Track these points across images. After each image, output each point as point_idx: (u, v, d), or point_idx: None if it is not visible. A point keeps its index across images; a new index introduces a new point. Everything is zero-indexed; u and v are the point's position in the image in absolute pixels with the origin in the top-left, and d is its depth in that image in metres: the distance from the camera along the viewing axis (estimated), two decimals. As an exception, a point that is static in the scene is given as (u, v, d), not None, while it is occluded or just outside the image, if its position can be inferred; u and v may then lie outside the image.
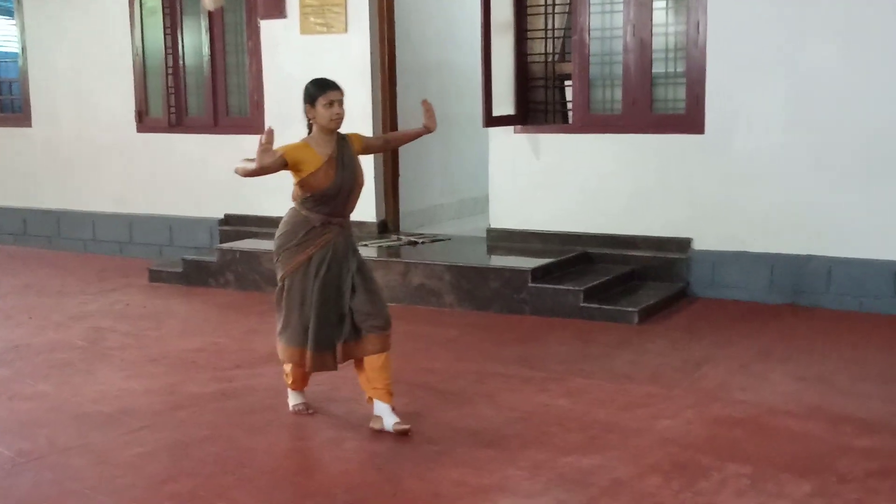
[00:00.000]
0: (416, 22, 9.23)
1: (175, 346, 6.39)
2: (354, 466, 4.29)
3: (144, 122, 9.81)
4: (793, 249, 7.14)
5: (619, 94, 7.79)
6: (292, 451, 4.62)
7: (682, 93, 7.53)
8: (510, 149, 8.11)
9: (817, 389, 5.23)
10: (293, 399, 4.95)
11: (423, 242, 8.24)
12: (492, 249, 8.10)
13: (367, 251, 7.63)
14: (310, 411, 4.91)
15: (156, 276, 8.55)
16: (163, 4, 9.50)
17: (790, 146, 7.08)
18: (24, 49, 10.51)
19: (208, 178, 9.46)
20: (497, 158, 8.20)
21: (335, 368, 4.73)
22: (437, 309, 7.29)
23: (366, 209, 8.32)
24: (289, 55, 8.84)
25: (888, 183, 6.81)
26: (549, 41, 8.08)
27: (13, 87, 10.92)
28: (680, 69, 7.56)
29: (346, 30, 8.53)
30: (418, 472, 4.16)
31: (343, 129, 4.67)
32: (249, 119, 9.19)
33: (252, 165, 4.36)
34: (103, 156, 10.10)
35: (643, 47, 7.60)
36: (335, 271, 4.62)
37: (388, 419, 4.60)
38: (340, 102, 4.56)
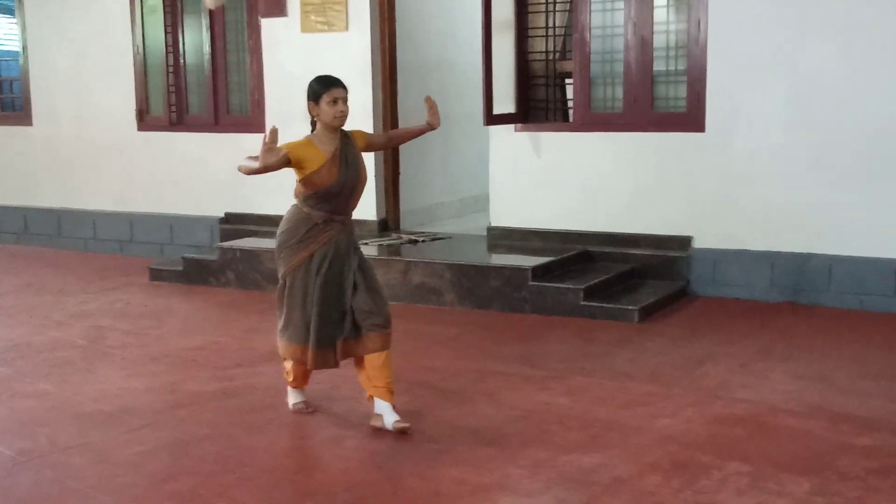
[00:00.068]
0: (417, 20, 9.22)
1: (175, 344, 6.40)
2: (354, 465, 4.29)
3: (145, 120, 9.81)
4: (793, 248, 7.14)
5: (619, 92, 7.78)
6: (292, 449, 4.62)
7: (682, 91, 7.53)
8: (511, 147, 8.10)
9: (818, 388, 5.23)
10: (293, 397, 4.95)
11: (423, 241, 8.24)
12: (492, 248, 8.10)
13: (368, 249, 7.63)
14: (309, 410, 4.91)
15: (156, 275, 8.55)
16: (163, 3, 9.50)
17: (790, 145, 7.08)
18: (24, 48, 10.51)
19: (209, 176, 9.46)
20: (497, 157, 8.20)
21: (336, 366, 4.73)
22: (438, 307, 7.29)
23: (366, 207, 8.31)
24: (289, 53, 8.84)
25: (888, 182, 6.81)
26: (550, 39, 8.08)
27: (14, 86, 10.92)
28: (681, 67, 7.55)
29: (346, 28, 8.53)
30: (418, 470, 4.17)
31: (344, 127, 4.67)
32: (250, 117, 9.19)
33: (255, 164, 4.36)
34: (104, 155, 10.10)
35: (644, 45, 7.60)
36: (337, 269, 4.62)
37: (389, 417, 4.60)
38: (344, 100, 4.56)
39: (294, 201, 4.67)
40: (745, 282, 7.30)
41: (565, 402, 5.05)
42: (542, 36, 8.09)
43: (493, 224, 8.28)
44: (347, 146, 4.63)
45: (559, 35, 8.10)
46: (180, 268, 8.45)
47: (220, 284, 8.22)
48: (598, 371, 5.60)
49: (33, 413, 5.01)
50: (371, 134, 4.92)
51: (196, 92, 9.58)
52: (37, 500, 3.95)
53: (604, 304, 6.84)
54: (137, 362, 5.97)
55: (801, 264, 7.12)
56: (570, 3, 7.92)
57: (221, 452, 4.42)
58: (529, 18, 8.09)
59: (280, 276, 4.71)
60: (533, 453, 4.32)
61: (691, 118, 7.42)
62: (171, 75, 9.58)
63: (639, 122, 7.64)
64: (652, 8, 7.56)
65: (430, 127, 4.94)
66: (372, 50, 8.50)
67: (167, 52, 9.55)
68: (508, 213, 8.18)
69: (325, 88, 4.53)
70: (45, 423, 4.85)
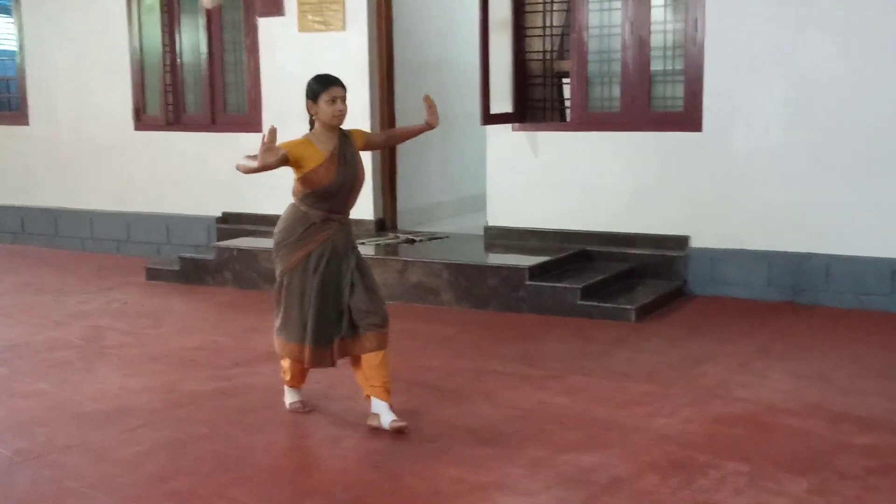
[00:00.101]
0: (415, 19, 9.22)
1: (173, 344, 6.39)
2: (353, 464, 4.28)
3: (142, 120, 9.80)
4: (792, 247, 7.14)
5: (617, 91, 7.78)
6: (291, 449, 4.62)
7: (680, 90, 7.53)
8: (508, 146, 8.10)
9: (816, 387, 5.23)
10: (290, 397, 4.95)
11: (420, 240, 8.24)
12: (490, 247, 8.10)
13: (365, 249, 7.62)
14: (306, 409, 4.91)
15: (153, 275, 8.54)
16: (161, 2, 9.49)
17: (788, 144, 7.08)
18: (21, 47, 10.50)
19: (206, 176, 9.45)
20: (495, 156, 8.20)
21: (333, 365, 4.72)
22: (435, 307, 7.29)
23: (363, 207, 8.32)
24: (287, 53, 8.83)
25: (887, 181, 6.81)
26: (548, 39, 8.08)
27: (10, 86, 10.90)
28: (678, 67, 7.56)
29: (344, 27, 8.53)
30: (417, 469, 4.16)
31: (343, 126, 4.66)
32: (247, 117, 9.18)
33: (254, 163, 4.35)
34: (101, 154, 10.09)
35: (641, 45, 7.60)
36: (334, 268, 4.61)
37: (386, 417, 4.59)
38: (343, 99, 4.56)
39: (292, 200, 4.67)
40: (744, 281, 7.30)
41: (563, 402, 5.04)
42: (540, 35, 8.09)
43: (490, 223, 8.28)
44: (346, 145, 4.63)
45: (557, 35, 8.10)
46: (177, 267, 8.44)
47: (218, 284, 8.21)
48: (595, 370, 5.60)
49: (31, 413, 5.01)
50: (370, 133, 4.92)
51: (193, 91, 9.57)
52: (35, 499, 3.95)
53: (601, 304, 6.84)
54: (135, 362, 5.96)
55: (799, 264, 7.12)
56: (568, 2, 7.92)
57: (220, 452, 4.41)
58: (527, 18, 8.09)
59: (277, 274, 4.71)
60: (531, 452, 4.32)
61: (688, 118, 7.43)
62: (168, 74, 9.57)
63: (636, 121, 7.65)
64: (649, 7, 7.56)
65: (429, 126, 4.93)
66: (369, 49, 8.50)
67: (164, 52, 9.54)
68: (506, 212, 8.18)
69: (323, 87, 4.53)
70: (43, 422, 4.84)
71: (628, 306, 6.76)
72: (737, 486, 3.93)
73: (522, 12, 8.07)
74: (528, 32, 8.11)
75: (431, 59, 9.52)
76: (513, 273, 7.08)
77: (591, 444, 4.43)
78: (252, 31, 9.05)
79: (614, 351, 6.02)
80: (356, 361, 4.71)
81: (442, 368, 5.68)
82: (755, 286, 7.26)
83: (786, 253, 7.15)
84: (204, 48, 9.37)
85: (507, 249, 7.89)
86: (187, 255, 8.52)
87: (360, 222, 8.39)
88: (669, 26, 7.59)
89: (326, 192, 4.55)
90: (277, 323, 4.74)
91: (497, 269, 7.17)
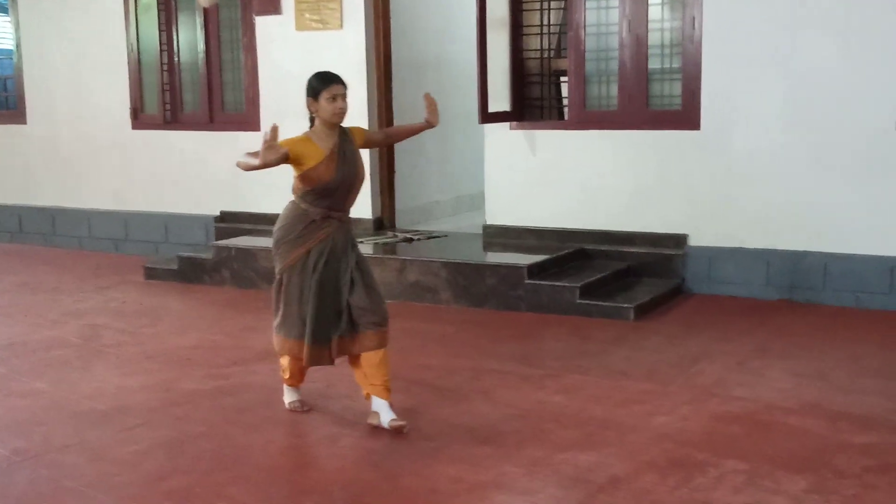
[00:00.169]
0: (412, 17, 9.21)
1: (171, 343, 6.38)
2: (351, 463, 4.28)
3: (139, 118, 9.79)
4: (789, 245, 7.14)
5: (614, 90, 7.78)
6: (288, 447, 4.61)
7: (677, 89, 7.53)
8: (506, 145, 8.10)
9: (815, 385, 5.23)
10: (289, 396, 4.95)
11: (419, 239, 8.23)
12: (488, 246, 8.09)
13: (363, 248, 7.59)
14: (305, 408, 4.91)
15: (151, 274, 8.54)
16: (158, 1, 9.48)
17: (786, 143, 7.07)
18: (18, 45, 10.49)
19: (204, 175, 9.44)
20: (493, 155, 8.20)
21: (331, 363, 4.72)
22: (433, 305, 7.28)
23: (362, 206, 8.28)
24: (284, 51, 8.82)
25: (885, 180, 6.81)
26: (545, 37, 8.08)
27: (8, 84, 10.89)
28: (676, 65, 7.55)
29: (341, 26, 8.52)
30: (415, 468, 4.16)
31: (342, 124, 4.65)
32: (245, 115, 9.17)
33: (255, 161, 4.35)
34: (99, 153, 10.07)
35: (639, 43, 7.59)
36: (334, 266, 4.61)
37: (385, 415, 4.59)
38: (343, 96, 4.55)
39: (291, 198, 4.67)
40: (742, 279, 7.30)
41: (561, 401, 5.04)
42: (538, 34, 8.08)
43: (488, 222, 8.27)
44: (346, 143, 4.62)
45: (554, 33, 8.09)
46: (175, 266, 8.43)
47: (216, 283, 8.20)
48: (593, 369, 5.59)
49: (29, 412, 5.00)
50: (369, 131, 4.92)
51: (191, 90, 9.56)
52: (32, 499, 3.94)
53: (599, 302, 6.84)
54: (133, 361, 5.96)
55: (797, 262, 7.12)
56: (565, 0, 7.91)
57: (217, 451, 4.41)
58: (524, 16, 8.09)
59: (277, 272, 4.70)
60: (529, 451, 4.32)
61: (686, 116, 7.42)
62: (165, 73, 9.56)
63: (634, 120, 7.64)
64: (647, 6, 7.55)
65: (429, 125, 4.92)
66: (367, 47, 8.49)
67: (161, 50, 9.53)
68: (504, 211, 8.17)
69: (324, 85, 4.52)
70: (40, 421, 4.84)
71: (626, 305, 6.76)
72: (735, 485, 3.92)
73: (520, 10, 8.06)
74: (526, 31, 8.10)
75: (429, 58, 9.51)
76: (511, 272, 7.08)
77: (589, 442, 4.42)
78: (249, 29, 9.04)
79: (613, 350, 6.02)
80: (355, 360, 4.70)
81: (440, 367, 5.68)
82: (753, 285, 7.26)
83: (784, 251, 7.15)
84: (201, 47, 9.36)
85: (506, 248, 7.89)
86: (185, 254, 8.51)
87: (358, 221, 8.30)
88: (667, 24, 7.59)
89: (326, 190, 4.54)
90: (276, 320, 4.74)
91: (495, 268, 7.17)
